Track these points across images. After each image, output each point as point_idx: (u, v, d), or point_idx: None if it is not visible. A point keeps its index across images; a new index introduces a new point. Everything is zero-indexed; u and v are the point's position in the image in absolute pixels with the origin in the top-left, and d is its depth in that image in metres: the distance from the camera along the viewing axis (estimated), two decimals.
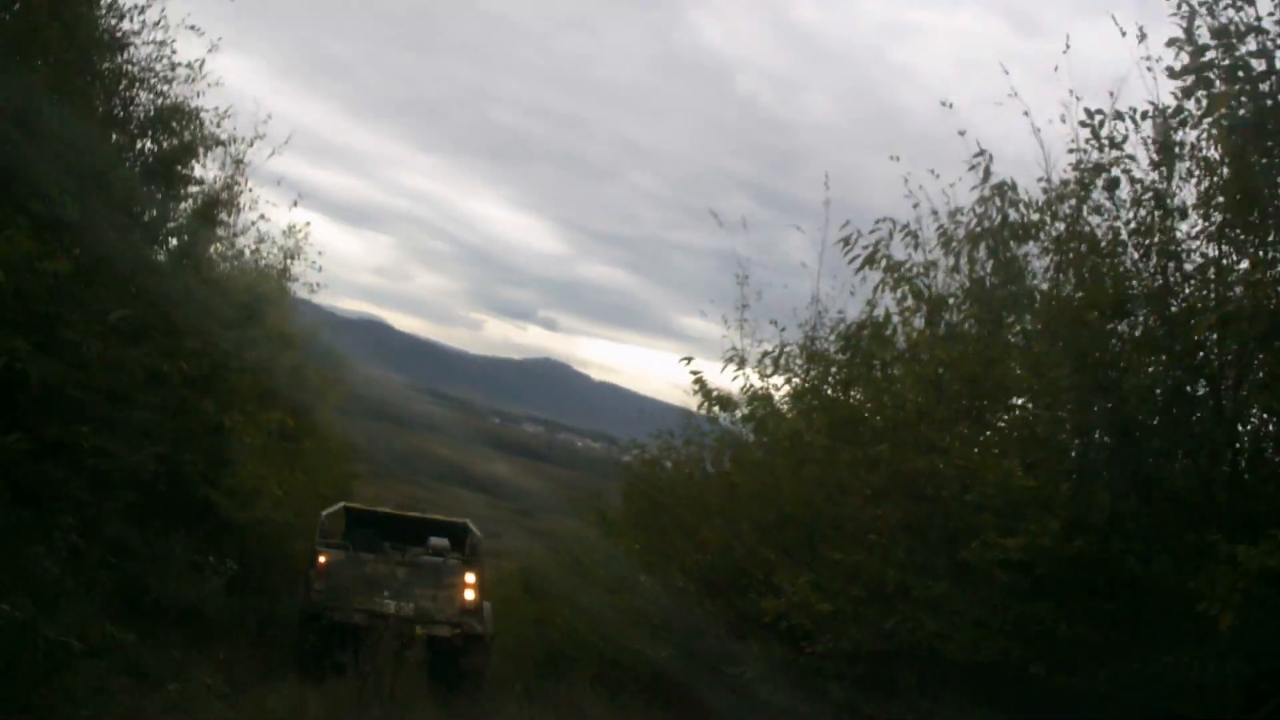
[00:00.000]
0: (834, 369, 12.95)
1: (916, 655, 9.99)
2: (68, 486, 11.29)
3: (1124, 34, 9.33)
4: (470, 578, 15.61)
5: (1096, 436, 10.17)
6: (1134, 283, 10.13)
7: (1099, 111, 10.03)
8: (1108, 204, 10.38)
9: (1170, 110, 9.25)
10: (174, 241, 17.29)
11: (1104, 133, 10.09)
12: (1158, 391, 9.76)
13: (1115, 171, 10.01)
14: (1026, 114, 10.55)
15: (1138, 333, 10.10)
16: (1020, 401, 11.31)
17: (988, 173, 11.39)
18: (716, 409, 13.84)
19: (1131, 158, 9.98)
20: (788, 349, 13.45)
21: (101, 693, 8.90)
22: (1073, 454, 10.19)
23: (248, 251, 19.29)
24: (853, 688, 10.67)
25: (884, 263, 11.85)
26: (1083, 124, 10.21)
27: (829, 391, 12.81)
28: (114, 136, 15.72)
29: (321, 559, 15.03)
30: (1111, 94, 9.93)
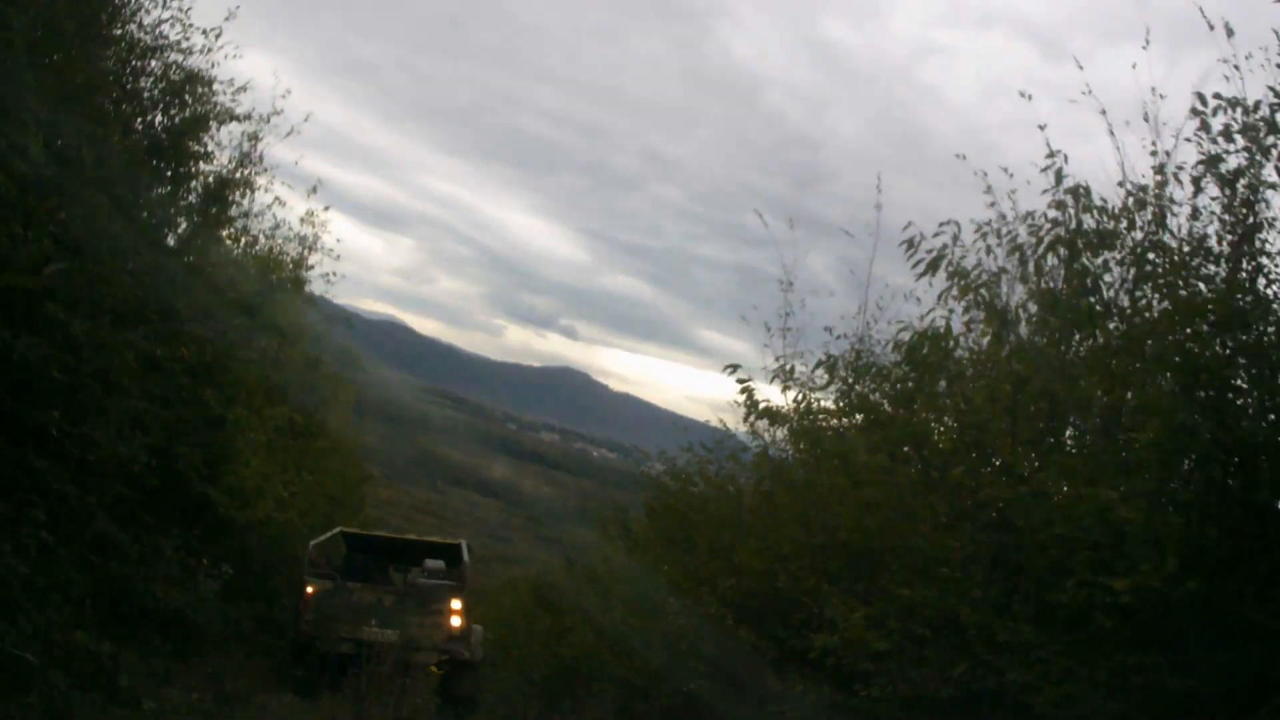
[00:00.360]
0: (889, 383, 11.80)
1: (991, 705, 8.80)
2: (47, 478, 10.14)
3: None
4: (456, 604, 15.56)
5: (1203, 463, 8.95)
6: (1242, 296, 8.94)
7: (1216, 96, 8.88)
8: (1212, 204, 9.23)
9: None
10: (181, 222, 16.29)
11: (1216, 121, 8.95)
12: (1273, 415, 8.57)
13: (1232, 162, 8.83)
14: (1104, 112, 9.71)
15: (1251, 345, 8.89)
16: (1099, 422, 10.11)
17: (1060, 176, 10.34)
18: (764, 422, 12.64)
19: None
20: (842, 357, 12.35)
21: (59, 713, 7.72)
22: (1175, 484, 8.95)
23: (262, 238, 18.22)
24: None
25: (949, 269, 10.82)
26: (1195, 111, 9.07)
27: (886, 407, 11.66)
28: (123, 106, 14.71)
29: (309, 590, 15.02)
30: (1200, 99, 8.85)
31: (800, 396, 12.35)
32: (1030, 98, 10.43)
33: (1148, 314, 9.73)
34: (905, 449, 11.13)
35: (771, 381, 12.25)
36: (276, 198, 17.25)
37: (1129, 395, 9.65)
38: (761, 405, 12.26)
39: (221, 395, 13.89)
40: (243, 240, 17.79)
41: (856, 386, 12.39)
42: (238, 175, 16.46)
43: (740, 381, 12.14)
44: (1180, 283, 9.54)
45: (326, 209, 18.91)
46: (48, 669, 8.05)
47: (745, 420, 13.12)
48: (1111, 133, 9.82)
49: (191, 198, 16.06)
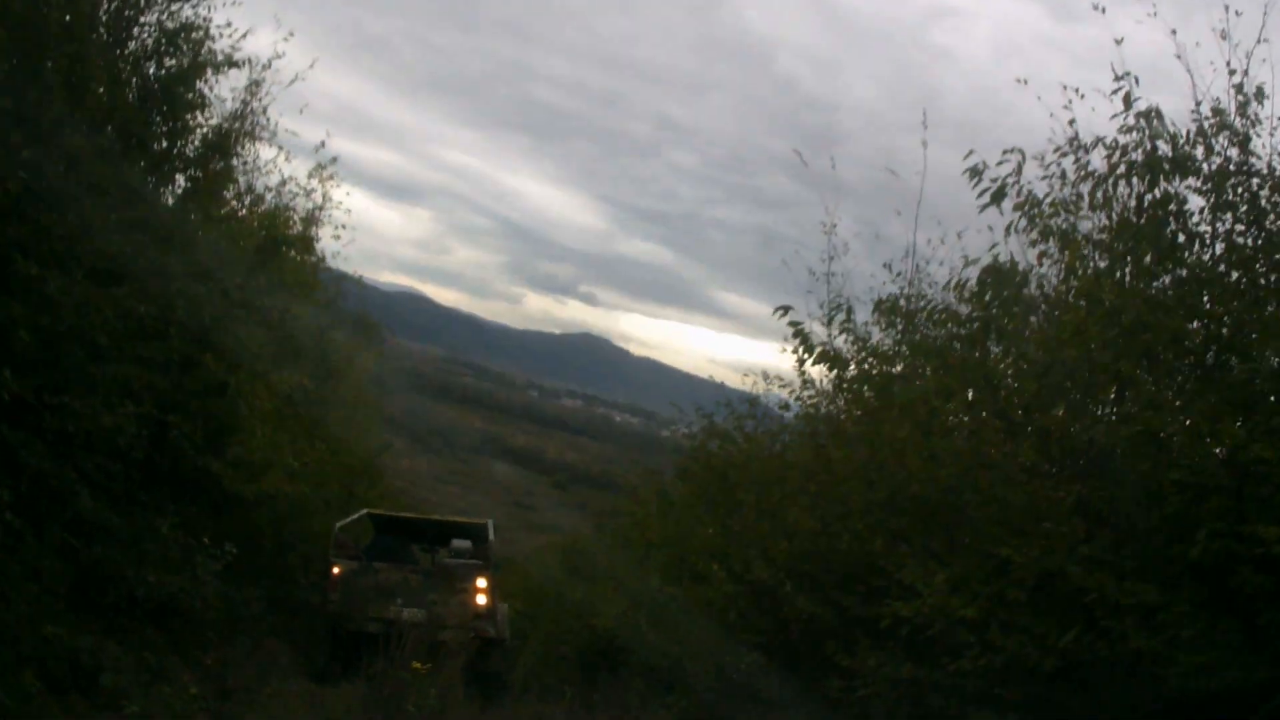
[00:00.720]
0: (956, 325, 10.62)
1: (1104, 677, 7.64)
2: (22, 453, 9.02)
3: None
4: (482, 582, 15.54)
5: None
6: None
7: None
8: None
9: None
10: (180, 179, 15.15)
11: None
12: None
13: None
14: (1174, 32, 8.78)
15: None
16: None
17: (1129, 100, 9.26)
18: (823, 368, 11.43)
19: None
20: (900, 298, 11.18)
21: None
22: None
23: (268, 195, 17.00)
24: (1006, 714, 8.32)
25: (1016, 199, 9.88)
26: None
27: (955, 349, 10.48)
28: (115, 52, 13.59)
29: (335, 570, 14.96)
30: None
31: (855, 340, 11.19)
32: None
33: (1232, 241, 8.87)
34: (976, 393, 9.97)
35: (830, 321, 11.07)
36: (281, 148, 16.05)
37: (1224, 330, 8.50)
38: (818, 349, 11.02)
39: (223, 360, 12.71)
40: (247, 198, 16.59)
41: (917, 329, 11.25)
42: (238, 126, 15.26)
43: (793, 325, 10.90)
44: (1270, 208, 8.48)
45: (334, 161, 17.70)
46: (18, 669, 6.96)
47: (799, 366, 11.94)
48: (1179, 56, 8.79)
49: (189, 150, 14.89)
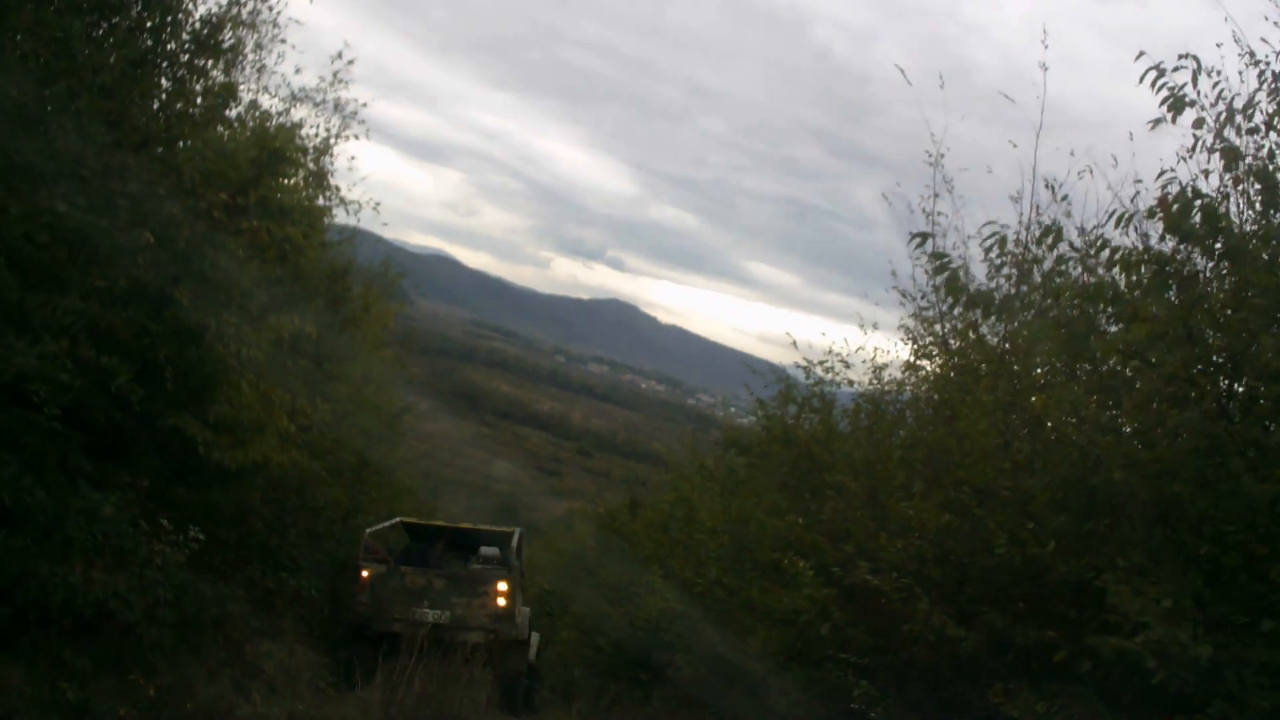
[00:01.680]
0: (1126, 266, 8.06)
1: None
2: None
3: None
4: (502, 586, 16.12)
5: None
6: None
7: None
8: None
9: None
10: (164, 82, 12.67)
11: None
12: None
13: None
14: None
15: None
16: None
17: None
18: (976, 311, 8.86)
19: None
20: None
21: None
22: None
23: (275, 105, 14.37)
24: None
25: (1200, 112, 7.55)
26: None
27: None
28: None
29: (364, 574, 15.53)
30: None
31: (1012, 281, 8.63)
32: None
33: None
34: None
35: (989, 243, 8.47)
36: (283, 39, 13.41)
37: None
38: (972, 289, 8.40)
39: (198, 295, 10.19)
40: (249, 115, 13.98)
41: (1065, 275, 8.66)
42: (233, 13, 12.72)
43: (936, 257, 8.30)
44: None
45: (351, 65, 15.02)
46: None
47: (945, 305, 9.37)
48: None
49: (173, 45, 12.39)
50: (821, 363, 13.44)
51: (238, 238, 11.20)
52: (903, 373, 12.53)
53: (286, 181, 13.31)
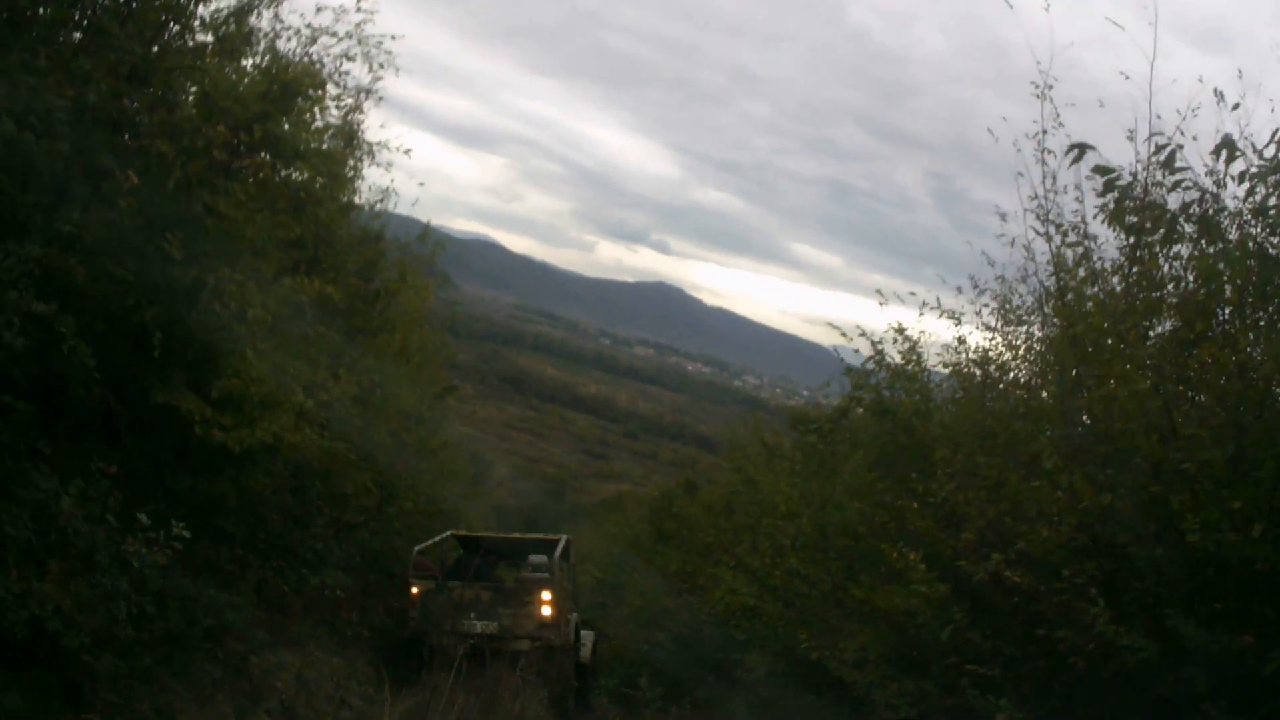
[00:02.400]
0: None
1: None
2: None
3: None
4: (547, 595, 16.61)
5: None
6: None
7: None
8: None
9: None
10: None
11: None
12: None
13: None
14: None
15: None
16: None
17: None
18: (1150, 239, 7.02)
19: None
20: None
21: None
22: None
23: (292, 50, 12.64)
24: None
25: None
26: None
27: None
28: None
29: (414, 590, 16.21)
30: None
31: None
32: None
33: None
34: None
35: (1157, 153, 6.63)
36: None
37: None
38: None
39: (192, 246, 8.52)
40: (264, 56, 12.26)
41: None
42: None
43: (1101, 171, 6.49)
44: None
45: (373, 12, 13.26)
46: None
47: (1115, 234, 7.54)
48: None
49: None
50: (901, 331, 11.90)
51: (240, 183, 9.50)
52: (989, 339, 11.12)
53: (305, 119, 11.58)
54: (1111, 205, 6.66)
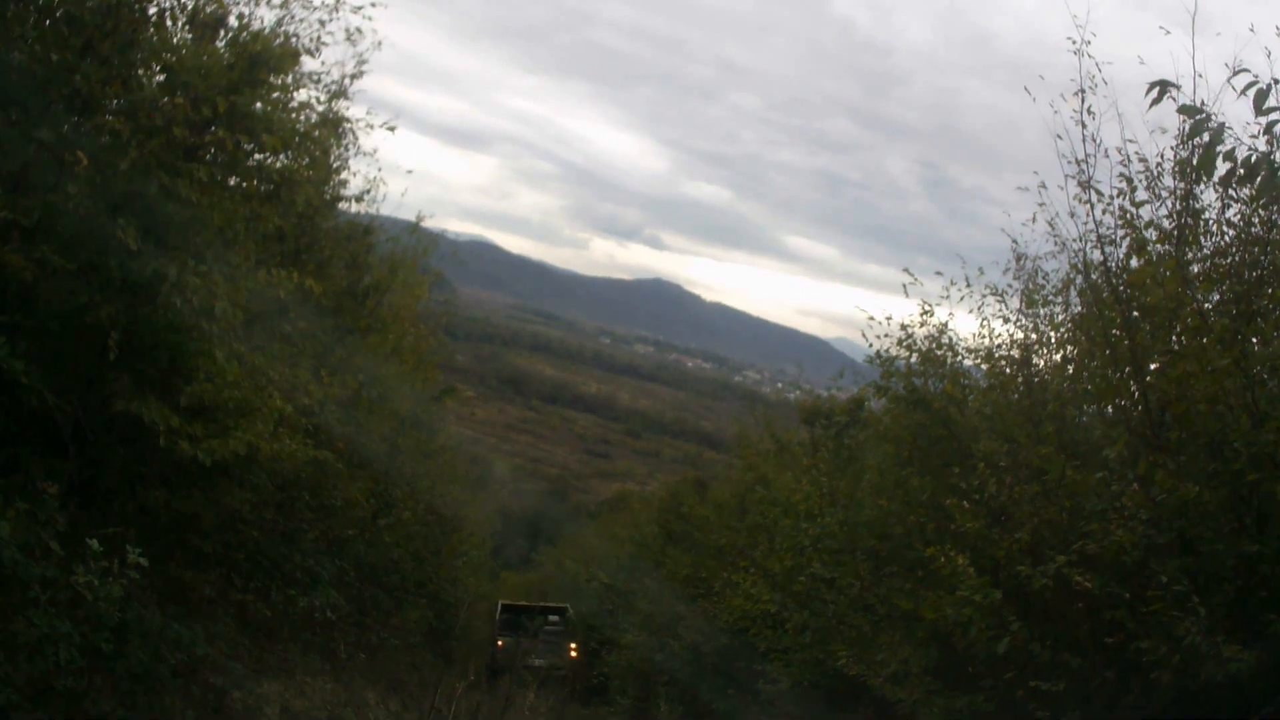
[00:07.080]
0: None
1: None
2: None
3: None
4: (572, 645, 28.79)
5: None
6: None
7: None
8: None
9: None
10: None
11: None
12: None
13: None
14: None
15: None
16: None
17: None
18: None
19: None
20: None
21: None
22: None
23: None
24: None
25: None
26: None
27: None
28: None
29: (500, 643, 27.91)
30: None
31: None
32: None
33: None
34: None
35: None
36: None
37: None
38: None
39: (155, 237, 7.62)
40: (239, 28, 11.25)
41: None
42: None
43: (1190, 111, 5.57)
44: None
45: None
46: None
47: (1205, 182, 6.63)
48: None
49: None
50: (929, 313, 11.05)
51: (202, 163, 8.56)
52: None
53: (279, 97, 10.57)
54: (1199, 151, 5.73)
